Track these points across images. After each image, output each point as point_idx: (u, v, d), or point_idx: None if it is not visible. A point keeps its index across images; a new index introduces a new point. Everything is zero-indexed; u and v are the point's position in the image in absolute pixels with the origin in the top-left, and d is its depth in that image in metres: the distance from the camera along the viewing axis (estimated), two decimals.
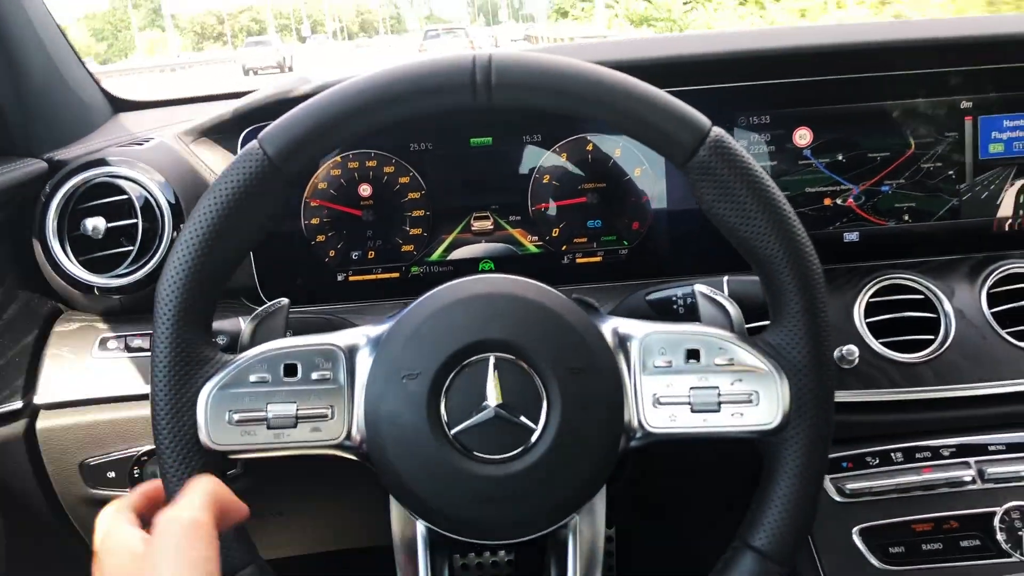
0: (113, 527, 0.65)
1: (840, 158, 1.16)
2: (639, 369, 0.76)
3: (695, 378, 0.75)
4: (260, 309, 0.81)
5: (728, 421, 0.74)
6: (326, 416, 0.74)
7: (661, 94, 0.73)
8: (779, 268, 0.73)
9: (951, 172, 1.17)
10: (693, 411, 0.75)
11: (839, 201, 1.18)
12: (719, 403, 0.74)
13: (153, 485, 0.72)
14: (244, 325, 0.80)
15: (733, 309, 0.80)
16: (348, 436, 0.75)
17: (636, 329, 0.78)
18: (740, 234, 0.74)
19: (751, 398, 0.74)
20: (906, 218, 1.18)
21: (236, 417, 0.73)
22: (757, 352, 0.75)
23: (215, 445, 0.73)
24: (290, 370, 0.75)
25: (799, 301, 0.73)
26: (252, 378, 0.74)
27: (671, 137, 0.73)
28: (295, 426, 0.74)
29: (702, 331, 0.77)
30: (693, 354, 0.76)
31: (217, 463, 0.74)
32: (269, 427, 0.73)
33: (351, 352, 0.76)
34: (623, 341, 0.77)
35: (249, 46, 32.80)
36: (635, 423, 0.75)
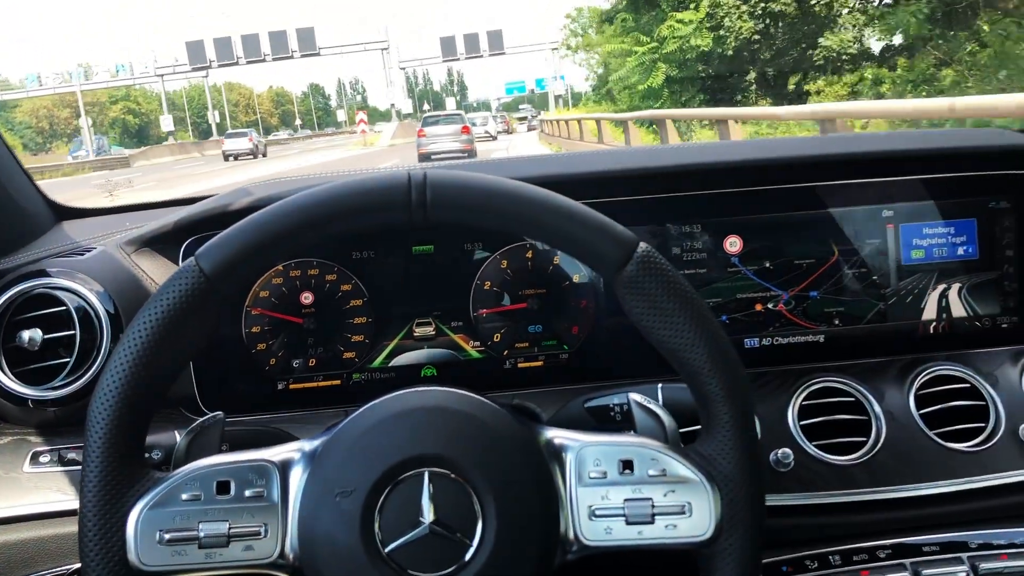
0: None
1: (768, 265, 1.21)
2: (575, 481, 0.77)
3: (629, 490, 0.76)
4: (195, 423, 0.81)
5: (662, 533, 0.75)
6: (259, 534, 0.74)
7: (590, 212, 0.76)
8: (706, 379, 0.76)
9: (876, 277, 1.21)
10: (628, 523, 0.75)
11: (770, 306, 1.21)
12: (653, 515, 0.75)
13: None
14: (179, 440, 0.80)
15: (667, 419, 0.81)
16: (282, 555, 0.74)
17: (571, 440, 0.79)
18: (668, 345, 0.77)
19: (684, 509, 0.75)
20: (836, 322, 1.22)
21: (167, 536, 0.72)
22: (688, 463, 0.76)
23: (144, 566, 0.72)
24: (223, 487, 0.75)
25: (727, 411, 0.76)
26: (184, 496, 0.74)
27: (600, 253, 0.76)
28: (227, 545, 0.73)
29: (636, 442, 0.78)
30: (627, 465, 0.77)
31: None
32: (201, 546, 0.73)
33: (285, 468, 0.76)
34: (558, 452, 0.78)
35: (229, 137, 40.98)
36: (571, 536, 0.76)
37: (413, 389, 0.80)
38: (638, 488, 0.76)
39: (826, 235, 1.21)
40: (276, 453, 0.77)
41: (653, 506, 0.75)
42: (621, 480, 0.76)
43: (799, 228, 1.20)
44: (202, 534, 0.73)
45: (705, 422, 0.78)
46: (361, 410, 0.78)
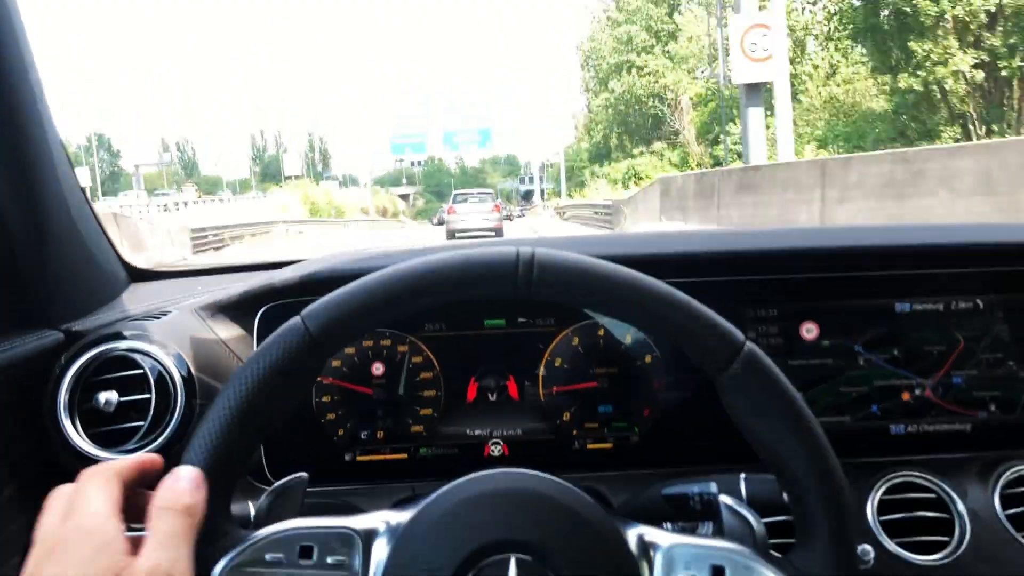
0: (92, 500, 0.62)
1: (896, 353, 1.19)
2: None
3: None
4: (278, 484, 0.80)
5: None
6: None
7: (696, 305, 0.76)
8: (807, 491, 0.74)
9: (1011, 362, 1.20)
10: None
11: (917, 393, 1.19)
12: None
13: (149, 459, 0.72)
14: (262, 499, 0.79)
15: (756, 524, 0.79)
16: None
17: (661, 539, 0.76)
18: (770, 450, 0.75)
19: None
20: (992, 408, 1.20)
21: None
22: (783, 574, 0.73)
23: None
24: (305, 552, 0.73)
25: (826, 527, 0.73)
26: (267, 557, 0.73)
27: (705, 348, 0.76)
28: None
29: (728, 547, 0.75)
30: (718, 571, 0.74)
31: None
32: None
33: (368, 538, 0.75)
34: (647, 550, 0.76)
35: None
36: None
37: (503, 470, 0.78)
38: None
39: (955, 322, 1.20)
40: (360, 522, 0.76)
41: None
42: None
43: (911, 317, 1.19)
44: None
45: (801, 532, 0.76)
46: (449, 487, 0.76)
